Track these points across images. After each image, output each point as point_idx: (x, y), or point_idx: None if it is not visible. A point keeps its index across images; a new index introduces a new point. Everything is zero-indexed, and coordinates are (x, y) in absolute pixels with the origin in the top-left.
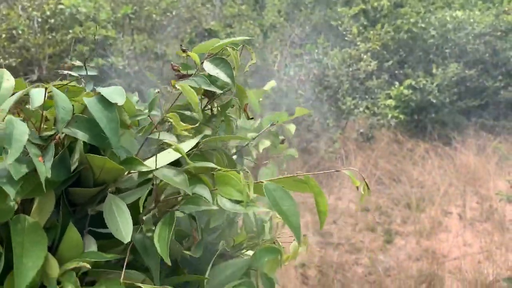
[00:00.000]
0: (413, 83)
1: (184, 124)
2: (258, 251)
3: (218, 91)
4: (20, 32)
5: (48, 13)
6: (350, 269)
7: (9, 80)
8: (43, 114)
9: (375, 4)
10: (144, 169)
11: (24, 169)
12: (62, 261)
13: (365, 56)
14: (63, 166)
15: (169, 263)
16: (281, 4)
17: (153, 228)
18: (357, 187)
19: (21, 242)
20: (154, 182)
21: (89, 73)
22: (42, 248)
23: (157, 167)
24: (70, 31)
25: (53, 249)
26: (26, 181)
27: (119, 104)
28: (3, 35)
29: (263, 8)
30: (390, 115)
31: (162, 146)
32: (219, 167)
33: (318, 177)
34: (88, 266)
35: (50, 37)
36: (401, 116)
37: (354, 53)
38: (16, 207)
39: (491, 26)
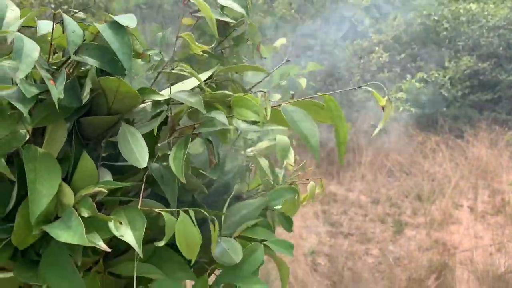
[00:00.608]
0: (425, 76)
1: (199, 44)
2: (275, 191)
3: (231, 21)
4: None
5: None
6: (360, 259)
7: (14, 11)
8: (52, 45)
9: None
10: (158, 98)
11: (34, 90)
12: (77, 191)
13: (377, 48)
14: (74, 94)
15: (184, 181)
16: None
17: (169, 153)
18: (382, 107)
19: (33, 169)
20: (170, 111)
21: None
22: (56, 176)
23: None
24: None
25: (67, 180)
26: (37, 109)
27: (130, 26)
28: None
29: (274, 0)
30: (401, 108)
31: (174, 83)
32: (235, 94)
33: (329, 169)
34: (105, 190)
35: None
36: (412, 109)
37: (366, 45)
38: (27, 136)
39: (505, 19)
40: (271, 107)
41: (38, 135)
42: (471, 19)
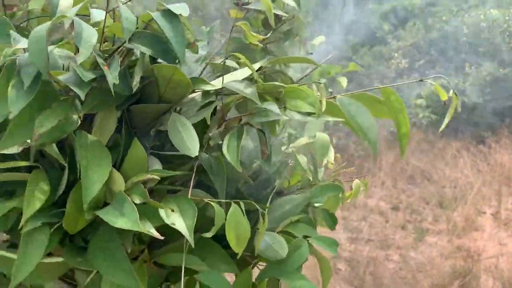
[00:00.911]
0: (445, 82)
1: (255, 34)
2: (318, 188)
3: (283, 14)
4: None
5: None
6: (381, 264)
7: None
8: (104, 33)
9: (406, 2)
10: (209, 87)
11: (90, 74)
12: (127, 178)
13: (395, 54)
14: (125, 82)
15: (240, 169)
16: (309, 4)
17: (221, 142)
18: (444, 102)
19: (85, 156)
20: (222, 101)
21: None
22: (107, 163)
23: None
24: None
25: (116, 168)
26: (89, 95)
27: (183, 15)
28: None
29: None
30: (421, 115)
31: (220, 75)
32: (287, 85)
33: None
34: (157, 177)
35: None
36: (432, 116)
37: (385, 51)
38: (79, 122)
39: None
40: (326, 98)
41: (85, 122)
42: (492, 25)
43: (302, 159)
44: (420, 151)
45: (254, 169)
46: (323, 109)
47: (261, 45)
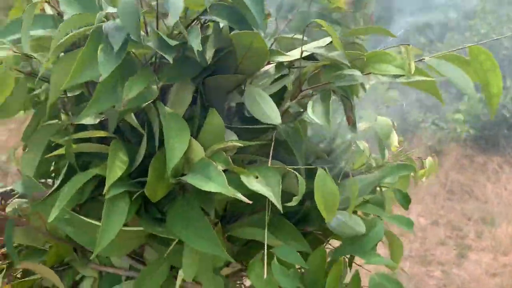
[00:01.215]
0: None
1: None
2: (390, 168)
3: None
4: None
5: None
6: (422, 280)
7: None
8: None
9: (442, 16)
10: (285, 58)
11: (174, 42)
12: (204, 148)
13: None
14: (200, 54)
15: (330, 128)
16: None
17: (301, 110)
18: None
19: (166, 125)
20: (300, 71)
21: None
22: (186, 133)
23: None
24: None
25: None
26: (167, 66)
27: None
28: None
29: None
30: (459, 129)
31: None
32: (366, 53)
33: None
34: (238, 144)
35: None
36: (471, 131)
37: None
38: (158, 92)
39: None
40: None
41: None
42: None
43: (363, 145)
44: (459, 166)
45: (322, 149)
46: (412, 71)
47: (345, 8)
